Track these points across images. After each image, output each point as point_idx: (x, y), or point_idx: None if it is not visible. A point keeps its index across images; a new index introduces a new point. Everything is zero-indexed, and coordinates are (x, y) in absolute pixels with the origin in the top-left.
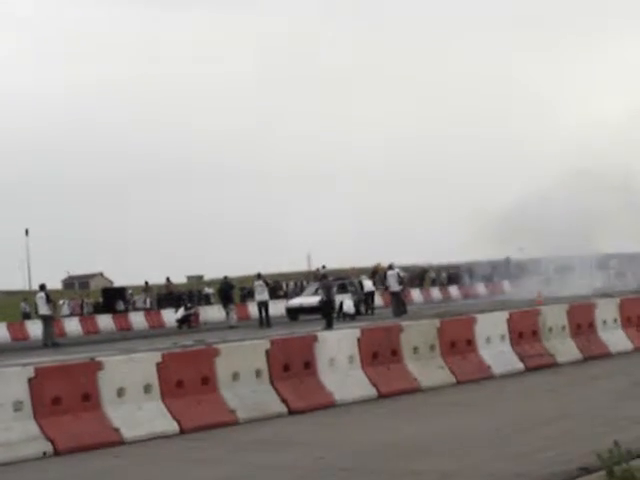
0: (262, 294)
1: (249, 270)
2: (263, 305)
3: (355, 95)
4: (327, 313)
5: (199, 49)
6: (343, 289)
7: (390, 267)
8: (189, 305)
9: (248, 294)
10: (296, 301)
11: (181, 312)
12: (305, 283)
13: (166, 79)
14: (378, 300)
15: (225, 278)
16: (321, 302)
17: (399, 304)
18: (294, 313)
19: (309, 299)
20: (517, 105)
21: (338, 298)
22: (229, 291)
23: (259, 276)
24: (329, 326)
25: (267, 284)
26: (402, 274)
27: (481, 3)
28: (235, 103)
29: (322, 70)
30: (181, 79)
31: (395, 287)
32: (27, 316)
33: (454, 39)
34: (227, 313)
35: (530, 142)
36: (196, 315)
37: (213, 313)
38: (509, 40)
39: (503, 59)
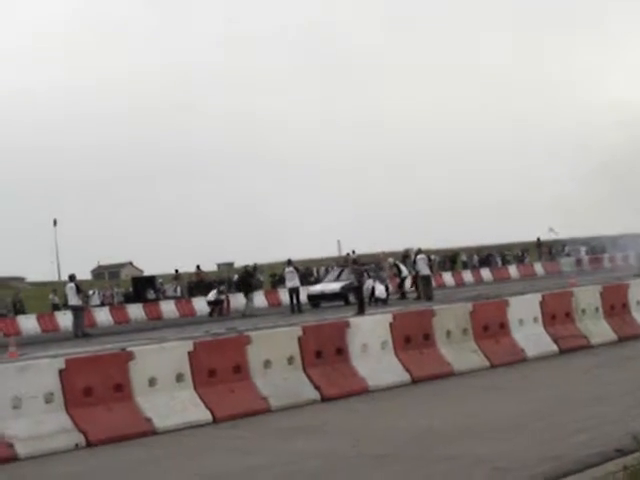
0: (293, 280)
1: (279, 257)
2: (294, 291)
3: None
4: (359, 298)
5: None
6: (373, 274)
7: (419, 251)
8: (221, 289)
9: (279, 281)
10: (317, 288)
11: (213, 294)
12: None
13: (190, 69)
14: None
15: (246, 267)
16: (353, 287)
17: (430, 288)
18: (315, 300)
19: (330, 285)
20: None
21: (369, 283)
22: (249, 279)
23: (289, 262)
24: (361, 311)
25: (298, 270)
26: (432, 257)
27: None
28: (262, 89)
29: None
30: (210, 67)
31: (425, 271)
32: (56, 307)
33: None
34: (246, 301)
35: None
36: (228, 302)
37: (243, 300)
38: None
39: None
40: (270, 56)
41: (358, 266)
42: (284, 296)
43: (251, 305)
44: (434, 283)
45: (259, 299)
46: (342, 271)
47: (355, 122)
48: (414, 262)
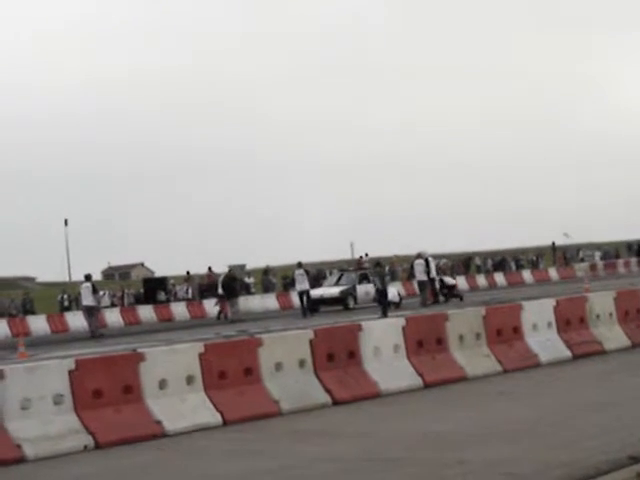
0: (302, 283)
1: (292, 259)
2: (304, 294)
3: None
4: (382, 302)
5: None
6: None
7: (418, 255)
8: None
9: (290, 283)
10: (316, 292)
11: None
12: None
13: (203, 75)
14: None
15: (229, 271)
16: (376, 290)
17: (424, 294)
18: (314, 304)
19: (330, 290)
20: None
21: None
22: (233, 284)
23: (300, 265)
24: (384, 314)
25: (308, 273)
26: (442, 262)
27: None
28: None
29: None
30: (217, 76)
31: (421, 276)
32: (66, 309)
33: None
34: (231, 306)
35: None
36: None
37: (254, 303)
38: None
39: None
40: (273, 56)
41: (381, 269)
42: (296, 298)
43: (236, 310)
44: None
45: (270, 301)
46: (342, 275)
47: (373, 125)
48: (411, 267)
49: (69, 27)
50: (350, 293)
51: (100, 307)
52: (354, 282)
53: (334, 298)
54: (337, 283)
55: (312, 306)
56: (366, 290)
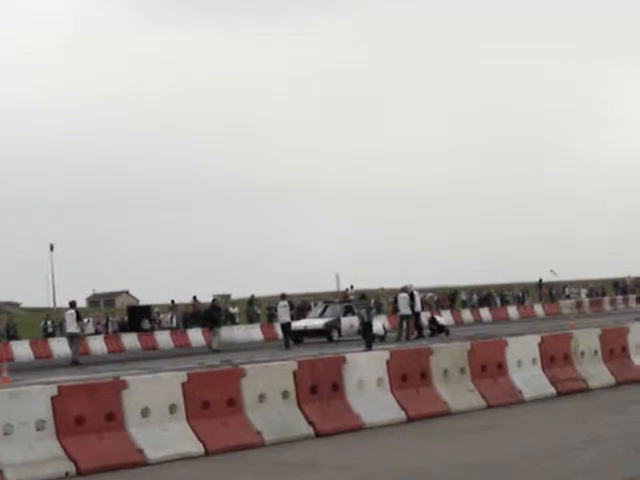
0: (285, 315)
1: (277, 290)
2: (287, 326)
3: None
4: (366, 335)
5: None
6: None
7: (403, 289)
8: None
9: (275, 314)
10: (300, 324)
11: None
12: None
13: (198, 100)
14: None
15: (213, 301)
16: (361, 323)
17: (408, 328)
18: (298, 335)
19: (314, 322)
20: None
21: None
22: (215, 314)
23: (283, 296)
24: (368, 347)
25: (292, 305)
26: (427, 296)
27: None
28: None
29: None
30: (212, 101)
31: (405, 310)
32: (50, 335)
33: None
34: (212, 336)
35: None
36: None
37: (239, 333)
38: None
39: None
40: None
41: (366, 302)
42: (279, 329)
43: (217, 339)
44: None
45: (255, 332)
46: (326, 307)
47: (356, 153)
48: (395, 301)
49: (60, 44)
50: (334, 325)
51: (83, 335)
52: (339, 314)
53: (318, 330)
54: (322, 315)
55: (296, 337)
56: (350, 323)
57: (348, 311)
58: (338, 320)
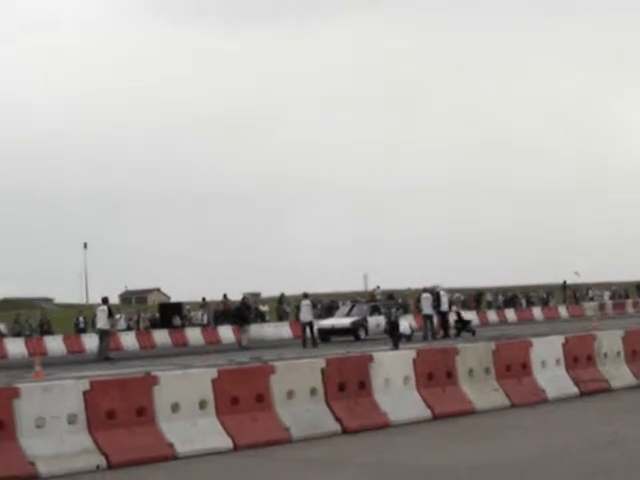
0: (307, 314)
1: (306, 289)
2: (308, 325)
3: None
4: (393, 334)
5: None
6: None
7: (425, 290)
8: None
9: None
10: (328, 322)
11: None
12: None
13: (236, 100)
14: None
15: (243, 299)
16: (388, 322)
17: (432, 327)
18: (325, 334)
19: (341, 320)
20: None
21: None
22: (245, 311)
23: (306, 295)
24: (395, 346)
25: (314, 305)
26: (454, 297)
27: None
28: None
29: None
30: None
31: (427, 310)
32: (82, 331)
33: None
34: (241, 333)
35: None
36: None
37: (268, 331)
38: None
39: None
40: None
41: (393, 301)
42: None
43: (247, 337)
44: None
45: (284, 330)
46: (354, 306)
47: (382, 151)
48: (418, 300)
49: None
50: (361, 324)
51: (114, 331)
52: (365, 314)
53: (345, 329)
54: (349, 314)
55: (323, 336)
56: (377, 322)
57: (375, 310)
58: (365, 319)
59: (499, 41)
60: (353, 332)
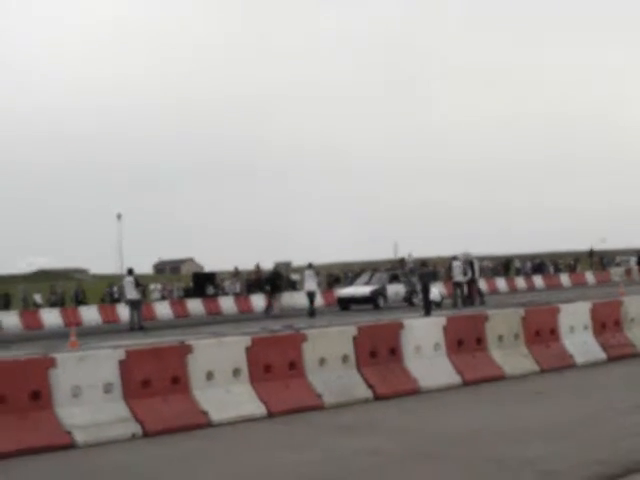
0: (311, 284)
1: (336, 258)
2: (312, 295)
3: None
4: (425, 300)
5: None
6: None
7: (454, 258)
8: (267, 288)
9: (335, 280)
10: (348, 291)
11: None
12: None
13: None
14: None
15: (275, 268)
16: (420, 290)
17: (462, 294)
18: (345, 303)
19: (361, 289)
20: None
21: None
22: (277, 280)
23: (310, 265)
24: (427, 313)
25: (318, 274)
26: (483, 264)
27: None
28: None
29: None
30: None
31: (458, 277)
32: (116, 301)
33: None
34: (273, 301)
35: None
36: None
37: (300, 299)
38: None
39: None
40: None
41: (427, 269)
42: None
43: (278, 305)
44: (486, 288)
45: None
46: (373, 275)
47: (417, 129)
48: (449, 268)
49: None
50: (380, 293)
51: (143, 300)
52: (385, 282)
53: (365, 297)
54: (368, 282)
55: (343, 304)
56: (396, 290)
57: (394, 279)
58: (384, 288)
59: None
60: (373, 300)
